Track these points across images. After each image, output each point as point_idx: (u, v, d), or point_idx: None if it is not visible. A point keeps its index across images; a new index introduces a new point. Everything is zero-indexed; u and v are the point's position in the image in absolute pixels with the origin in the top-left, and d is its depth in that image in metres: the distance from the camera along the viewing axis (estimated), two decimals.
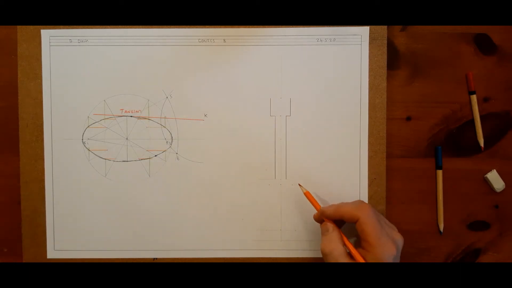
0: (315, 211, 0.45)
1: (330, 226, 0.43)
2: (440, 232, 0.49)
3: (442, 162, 0.49)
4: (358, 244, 0.42)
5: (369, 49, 0.48)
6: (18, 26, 0.48)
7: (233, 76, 0.48)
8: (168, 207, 0.48)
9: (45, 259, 0.48)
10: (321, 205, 0.45)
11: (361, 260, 0.40)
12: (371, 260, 0.40)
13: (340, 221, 0.45)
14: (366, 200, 0.48)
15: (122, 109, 0.48)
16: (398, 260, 0.41)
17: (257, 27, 0.48)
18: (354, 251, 0.41)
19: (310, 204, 0.46)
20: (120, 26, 0.48)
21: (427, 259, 0.49)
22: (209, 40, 0.48)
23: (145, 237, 0.49)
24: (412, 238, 0.49)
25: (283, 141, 0.48)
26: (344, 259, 0.40)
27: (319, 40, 0.48)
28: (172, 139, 0.48)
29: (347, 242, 0.42)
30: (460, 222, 0.49)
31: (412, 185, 0.49)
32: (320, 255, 0.48)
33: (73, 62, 0.48)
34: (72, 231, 0.49)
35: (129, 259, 0.49)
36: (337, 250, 0.41)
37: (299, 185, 0.47)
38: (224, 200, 0.48)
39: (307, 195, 0.46)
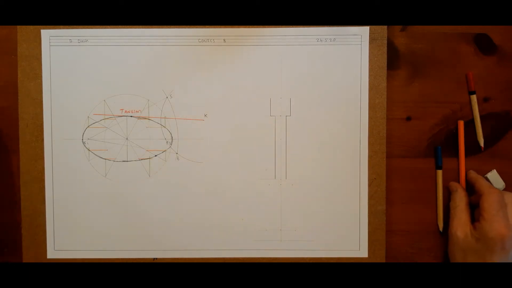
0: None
1: (458, 185, 0.48)
2: (440, 232, 0.49)
3: (442, 162, 0.49)
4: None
5: (369, 49, 0.48)
6: (18, 26, 0.48)
7: (233, 76, 0.48)
8: (168, 207, 0.48)
9: (45, 259, 0.48)
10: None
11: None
12: (479, 234, 0.43)
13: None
14: (366, 200, 0.48)
15: (122, 109, 0.48)
16: (510, 248, 0.42)
17: (257, 27, 0.48)
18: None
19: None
20: (120, 26, 0.48)
21: (427, 259, 0.49)
22: (209, 40, 0.48)
23: (145, 237, 0.49)
24: (412, 238, 0.49)
25: (283, 141, 0.48)
26: (464, 215, 0.45)
27: (319, 40, 0.48)
28: (172, 139, 0.48)
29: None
30: None
31: (412, 185, 0.49)
32: (319, 255, 0.48)
33: (73, 62, 0.48)
34: (72, 231, 0.49)
35: (129, 259, 0.49)
36: (460, 206, 0.46)
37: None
38: (224, 200, 0.48)
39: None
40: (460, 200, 0.46)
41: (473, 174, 0.48)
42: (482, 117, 0.49)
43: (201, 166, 0.48)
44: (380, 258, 0.48)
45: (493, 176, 0.49)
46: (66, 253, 0.49)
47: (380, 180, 0.48)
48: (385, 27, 0.48)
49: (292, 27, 0.48)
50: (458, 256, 0.45)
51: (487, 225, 0.42)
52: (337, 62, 0.48)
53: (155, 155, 0.48)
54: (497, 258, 0.42)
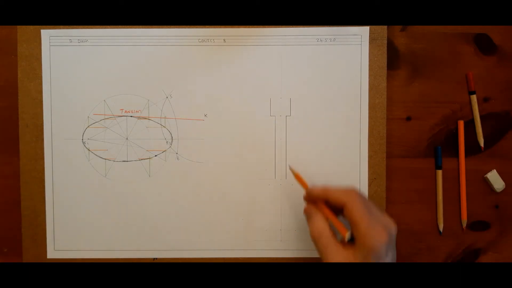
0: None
1: (312, 210, 0.42)
2: (440, 232, 0.49)
3: (442, 162, 0.49)
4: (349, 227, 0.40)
5: (369, 49, 0.48)
6: (18, 26, 0.48)
7: (233, 76, 0.48)
8: (168, 207, 0.48)
9: (45, 259, 0.48)
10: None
11: (344, 231, 0.39)
12: (362, 249, 0.38)
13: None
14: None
15: (122, 109, 0.48)
16: (393, 248, 0.39)
17: (257, 27, 0.48)
18: (339, 227, 0.40)
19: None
20: (120, 26, 0.48)
21: (427, 259, 0.49)
22: (209, 40, 0.48)
23: (145, 237, 0.49)
24: (412, 238, 0.49)
25: (283, 141, 0.48)
26: (333, 242, 0.39)
27: (319, 40, 0.48)
28: (172, 139, 0.48)
29: (333, 219, 0.41)
30: (460, 222, 0.49)
31: (412, 185, 0.49)
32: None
33: (73, 62, 0.48)
34: (72, 231, 0.49)
35: (129, 259, 0.49)
36: (325, 233, 0.39)
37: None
38: (224, 200, 0.48)
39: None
40: (319, 229, 0.40)
41: (318, 188, 0.42)
42: (482, 117, 0.49)
43: (201, 166, 0.48)
44: None
45: (493, 176, 0.49)
46: (66, 253, 0.49)
47: (380, 180, 0.48)
48: (385, 27, 0.48)
49: (292, 27, 0.48)
50: None
51: (368, 238, 0.37)
52: (337, 62, 0.48)
53: (155, 155, 0.48)
54: (383, 261, 0.38)
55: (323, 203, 0.42)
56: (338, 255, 0.39)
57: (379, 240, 0.37)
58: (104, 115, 0.48)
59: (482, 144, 0.49)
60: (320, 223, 0.40)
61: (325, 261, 0.39)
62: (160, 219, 0.48)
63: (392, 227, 0.39)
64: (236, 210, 0.48)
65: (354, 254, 0.38)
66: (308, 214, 0.42)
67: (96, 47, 0.48)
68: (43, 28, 0.48)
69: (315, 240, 0.40)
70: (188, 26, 0.48)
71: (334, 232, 0.40)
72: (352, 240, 0.39)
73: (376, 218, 0.39)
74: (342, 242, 0.40)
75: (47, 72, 0.48)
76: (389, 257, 0.39)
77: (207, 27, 0.48)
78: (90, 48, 0.48)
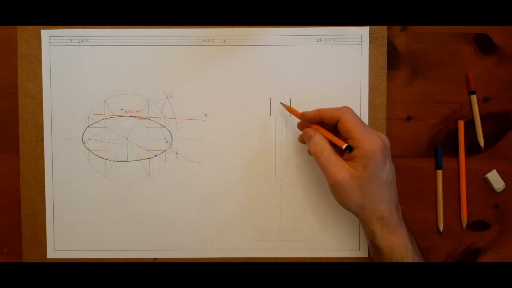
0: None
1: (311, 130, 0.43)
2: (440, 232, 0.49)
3: (442, 162, 0.49)
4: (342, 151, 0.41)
5: (369, 49, 0.48)
6: (18, 26, 0.48)
7: (233, 76, 0.48)
8: (168, 207, 0.48)
9: (45, 259, 0.48)
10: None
11: (341, 143, 0.40)
12: (360, 156, 0.39)
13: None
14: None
15: (122, 109, 0.48)
16: (389, 159, 0.41)
17: (257, 27, 0.48)
18: (336, 140, 0.41)
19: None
20: (120, 26, 0.48)
21: (427, 259, 0.49)
22: (209, 40, 0.48)
23: (145, 237, 0.49)
24: None
25: (283, 141, 0.48)
26: (335, 156, 0.41)
27: (319, 40, 0.48)
28: (172, 139, 0.48)
29: (330, 135, 0.42)
30: (460, 222, 0.49)
31: (412, 185, 0.49)
32: (319, 255, 0.48)
33: (73, 62, 0.48)
34: (72, 231, 0.49)
35: (129, 259, 0.49)
36: (326, 149, 0.41)
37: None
38: (224, 200, 0.48)
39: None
40: (321, 144, 0.41)
41: (312, 111, 0.43)
42: (482, 117, 0.49)
43: (201, 166, 0.48)
44: None
45: (493, 176, 0.49)
46: (66, 253, 0.49)
47: None
48: (385, 27, 0.48)
49: (292, 27, 0.48)
50: (354, 199, 0.40)
51: (363, 142, 0.39)
52: (337, 62, 0.48)
53: (155, 155, 0.48)
54: (383, 172, 0.40)
55: (318, 125, 0.43)
56: (339, 166, 0.40)
57: (375, 145, 0.39)
58: (104, 115, 0.48)
59: (482, 144, 0.49)
60: (321, 139, 0.42)
61: (327, 174, 0.41)
62: (160, 219, 0.48)
63: (385, 138, 0.41)
64: (236, 210, 0.48)
65: (353, 164, 0.40)
66: (307, 135, 0.43)
67: (96, 47, 0.48)
68: (43, 28, 0.48)
69: (318, 156, 0.41)
70: (188, 26, 0.48)
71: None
72: (350, 149, 0.40)
73: (369, 128, 0.41)
74: (341, 153, 0.41)
75: (47, 72, 0.48)
76: (387, 166, 0.40)
77: (207, 27, 0.48)
78: (90, 48, 0.48)
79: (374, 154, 0.39)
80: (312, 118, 0.43)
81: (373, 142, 0.39)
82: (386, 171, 0.40)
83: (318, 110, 0.43)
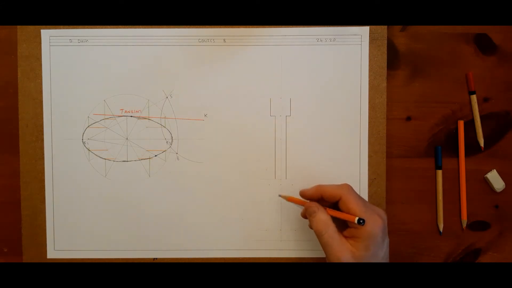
0: None
1: (315, 205, 0.42)
2: (440, 232, 0.49)
3: (442, 162, 0.49)
4: (344, 226, 0.41)
5: (369, 49, 0.48)
6: (18, 26, 0.48)
7: (233, 76, 0.48)
8: (168, 207, 0.48)
9: (45, 259, 0.48)
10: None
11: (352, 218, 0.40)
12: (362, 235, 0.39)
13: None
14: (366, 199, 0.48)
15: (122, 109, 0.48)
16: (386, 234, 0.41)
17: (257, 27, 0.48)
18: (344, 215, 0.41)
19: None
20: (120, 26, 0.48)
21: (427, 259, 0.49)
22: (209, 40, 0.48)
23: (145, 237, 0.49)
24: (412, 238, 0.49)
25: (283, 141, 0.48)
26: (338, 235, 0.40)
27: (319, 40, 0.48)
28: (172, 139, 0.48)
29: (334, 212, 0.42)
30: (460, 222, 0.49)
31: (412, 185, 0.49)
32: (320, 255, 0.48)
33: (73, 62, 0.48)
34: (72, 231, 0.49)
35: (129, 259, 0.49)
36: (330, 227, 0.41)
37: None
38: (224, 200, 0.48)
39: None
40: (325, 222, 0.41)
41: (311, 188, 0.43)
42: (482, 117, 0.49)
43: (201, 166, 0.48)
44: None
45: (493, 176, 0.49)
46: (66, 253, 0.49)
47: (380, 180, 0.48)
48: (385, 27, 0.48)
49: (292, 27, 0.48)
50: None
51: (366, 223, 0.39)
52: (337, 62, 0.48)
53: (155, 155, 0.48)
54: (382, 250, 0.40)
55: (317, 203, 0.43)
56: (342, 246, 0.40)
57: (376, 225, 0.39)
58: (104, 115, 0.48)
59: (482, 144, 0.49)
60: (325, 216, 0.41)
61: (329, 253, 0.40)
62: (160, 219, 0.48)
63: (384, 215, 0.41)
64: (236, 210, 0.48)
65: (355, 244, 0.40)
66: (311, 210, 0.42)
67: (96, 47, 0.48)
68: (43, 28, 0.48)
69: (321, 234, 0.41)
70: (188, 26, 0.48)
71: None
72: (363, 222, 0.40)
73: (369, 207, 0.41)
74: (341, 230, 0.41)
75: (47, 72, 0.48)
76: (385, 244, 0.41)
77: (207, 27, 0.48)
78: (90, 48, 0.48)
79: (375, 235, 0.39)
80: (311, 196, 0.43)
81: (374, 223, 0.39)
82: (384, 249, 0.41)
83: (318, 188, 0.43)
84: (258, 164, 0.48)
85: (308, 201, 0.44)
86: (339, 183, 0.43)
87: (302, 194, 0.44)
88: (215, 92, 0.48)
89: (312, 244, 0.49)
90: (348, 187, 0.42)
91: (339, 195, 0.41)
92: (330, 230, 0.41)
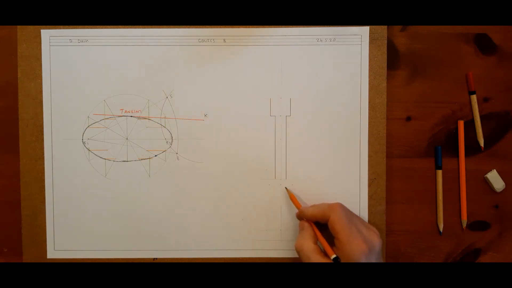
0: None
1: (305, 224, 0.44)
2: (440, 232, 0.49)
3: (442, 162, 0.49)
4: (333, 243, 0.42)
5: (369, 49, 0.48)
6: (18, 26, 0.48)
7: (233, 76, 0.48)
8: (168, 207, 0.48)
9: (45, 259, 0.48)
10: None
11: (331, 253, 0.41)
12: (341, 257, 0.40)
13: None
14: (366, 200, 0.48)
15: (122, 109, 0.48)
16: (374, 260, 0.40)
17: (257, 27, 0.48)
18: (325, 246, 0.42)
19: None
20: (120, 26, 0.48)
21: (427, 259, 0.49)
22: (209, 40, 0.48)
23: (145, 237, 0.49)
24: (412, 238, 0.49)
25: (283, 141, 0.48)
26: (315, 256, 0.41)
27: (319, 40, 0.48)
28: (172, 139, 0.48)
29: (320, 238, 0.43)
30: (460, 222, 0.49)
31: (412, 185, 0.49)
32: None
33: (73, 62, 0.48)
34: (72, 231, 0.49)
35: (129, 259, 0.49)
36: (307, 246, 0.42)
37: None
38: (224, 200, 0.48)
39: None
40: (304, 242, 0.43)
41: (307, 212, 0.44)
42: (482, 117, 0.49)
43: (201, 166, 0.48)
44: None
45: (493, 176, 0.49)
46: (66, 253, 0.49)
47: (380, 180, 0.48)
48: (385, 27, 0.48)
49: (292, 27, 0.48)
50: None
51: (346, 246, 0.39)
52: (337, 62, 0.48)
53: (155, 155, 0.48)
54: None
55: (313, 224, 0.44)
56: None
57: (358, 249, 0.39)
58: (104, 115, 0.48)
59: (482, 144, 0.49)
60: (307, 237, 0.43)
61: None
62: (160, 219, 0.48)
63: (375, 241, 0.41)
64: (236, 210, 0.48)
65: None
66: (300, 227, 0.45)
67: (96, 47, 0.48)
68: (43, 28, 0.48)
69: (297, 250, 0.43)
70: (188, 26, 0.48)
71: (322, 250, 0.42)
72: (337, 260, 0.41)
73: (359, 230, 0.41)
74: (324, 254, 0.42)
75: (47, 72, 0.48)
76: None
77: (207, 27, 0.48)
78: (90, 48, 0.48)
79: (355, 259, 0.39)
80: (309, 216, 0.44)
81: (356, 247, 0.39)
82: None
83: (314, 209, 0.44)
84: (258, 164, 0.48)
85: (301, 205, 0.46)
86: (342, 189, 0.44)
87: (301, 213, 0.45)
88: (215, 92, 0.48)
89: None
90: (338, 208, 0.42)
91: (328, 215, 0.42)
92: (306, 248, 0.42)
